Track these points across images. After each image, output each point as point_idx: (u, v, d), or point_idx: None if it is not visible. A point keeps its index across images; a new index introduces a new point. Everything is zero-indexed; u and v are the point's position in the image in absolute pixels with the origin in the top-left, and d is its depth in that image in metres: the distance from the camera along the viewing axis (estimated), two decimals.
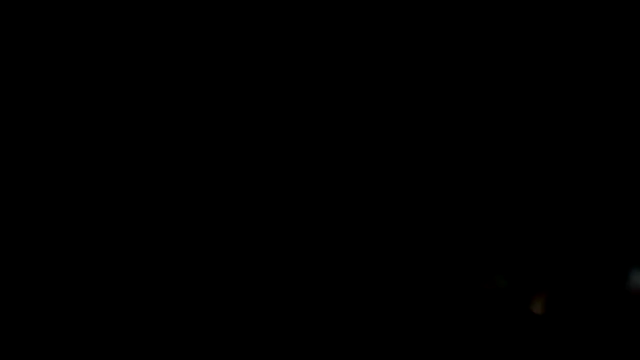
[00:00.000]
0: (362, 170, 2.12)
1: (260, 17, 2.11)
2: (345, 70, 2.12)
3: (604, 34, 2.06)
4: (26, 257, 2.05)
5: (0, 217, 2.05)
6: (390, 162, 2.11)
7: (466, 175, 2.09)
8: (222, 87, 2.12)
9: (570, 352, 1.83)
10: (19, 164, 2.07)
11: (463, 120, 2.10)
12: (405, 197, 2.10)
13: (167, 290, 2.07)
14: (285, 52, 2.12)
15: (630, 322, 1.79)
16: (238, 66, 2.12)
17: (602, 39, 2.06)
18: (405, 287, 2.06)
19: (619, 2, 2.05)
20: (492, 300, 1.96)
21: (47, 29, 2.08)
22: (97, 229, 2.08)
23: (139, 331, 2.04)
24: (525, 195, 2.06)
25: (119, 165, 2.10)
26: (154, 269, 2.07)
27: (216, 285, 2.08)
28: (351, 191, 2.11)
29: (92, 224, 2.08)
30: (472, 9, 2.10)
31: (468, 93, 2.11)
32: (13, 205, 2.06)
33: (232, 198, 2.11)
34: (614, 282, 1.83)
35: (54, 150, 2.09)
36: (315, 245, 2.09)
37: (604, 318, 1.81)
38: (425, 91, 2.11)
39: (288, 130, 2.12)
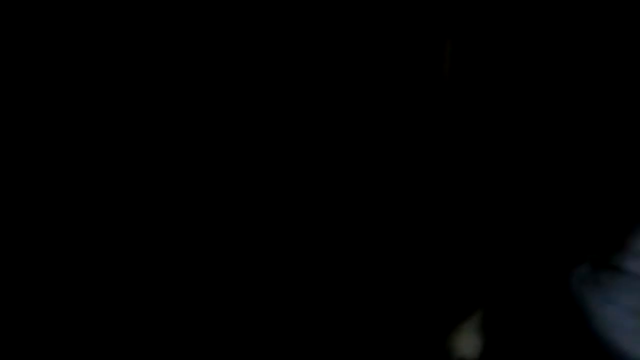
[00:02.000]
0: (363, 170, 2.14)
1: (260, 17, 2.12)
2: (344, 70, 2.13)
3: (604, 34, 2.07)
4: (26, 257, 2.07)
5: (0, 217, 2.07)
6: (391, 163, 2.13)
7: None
8: (222, 87, 2.14)
9: None
10: (19, 164, 2.09)
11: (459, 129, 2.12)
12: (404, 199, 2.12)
13: (167, 291, 2.09)
14: (285, 52, 2.13)
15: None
16: (238, 66, 2.13)
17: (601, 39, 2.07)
18: (406, 287, 2.08)
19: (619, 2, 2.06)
20: None
21: (47, 29, 2.09)
22: (97, 229, 2.09)
23: (138, 331, 2.06)
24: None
25: (119, 165, 2.11)
26: (153, 269, 2.09)
27: (216, 285, 2.10)
28: (351, 191, 2.13)
29: (92, 224, 2.09)
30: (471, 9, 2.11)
31: (468, 93, 2.12)
32: (13, 205, 2.08)
33: (232, 198, 2.13)
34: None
35: (54, 150, 2.10)
36: (315, 246, 2.12)
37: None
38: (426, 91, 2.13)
39: (288, 130, 2.13)
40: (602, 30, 2.03)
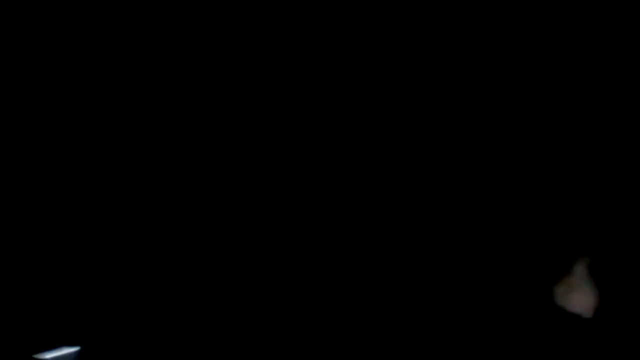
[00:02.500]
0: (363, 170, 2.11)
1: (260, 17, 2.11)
2: (344, 70, 2.11)
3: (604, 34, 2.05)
4: (26, 257, 2.05)
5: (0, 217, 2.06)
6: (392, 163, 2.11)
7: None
8: (222, 87, 2.12)
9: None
10: (19, 164, 2.07)
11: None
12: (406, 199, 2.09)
13: (167, 291, 2.07)
14: (285, 52, 2.11)
15: None
16: (238, 66, 2.12)
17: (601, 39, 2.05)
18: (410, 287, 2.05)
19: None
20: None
21: (47, 29, 2.09)
22: (97, 228, 2.08)
23: (139, 331, 2.04)
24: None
25: (118, 165, 2.10)
26: (154, 269, 2.07)
27: (216, 285, 2.08)
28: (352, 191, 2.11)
29: (92, 224, 2.08)
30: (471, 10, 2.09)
31: (468, 93, 2.10)
32: (13, 205, 2.06)
33: (232, 198, 2.11)
34: None
35: (54, 150, 2.09)
36: (315, 246, 2.09)
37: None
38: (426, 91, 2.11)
39: (288, 130, 2.12)
40: None
